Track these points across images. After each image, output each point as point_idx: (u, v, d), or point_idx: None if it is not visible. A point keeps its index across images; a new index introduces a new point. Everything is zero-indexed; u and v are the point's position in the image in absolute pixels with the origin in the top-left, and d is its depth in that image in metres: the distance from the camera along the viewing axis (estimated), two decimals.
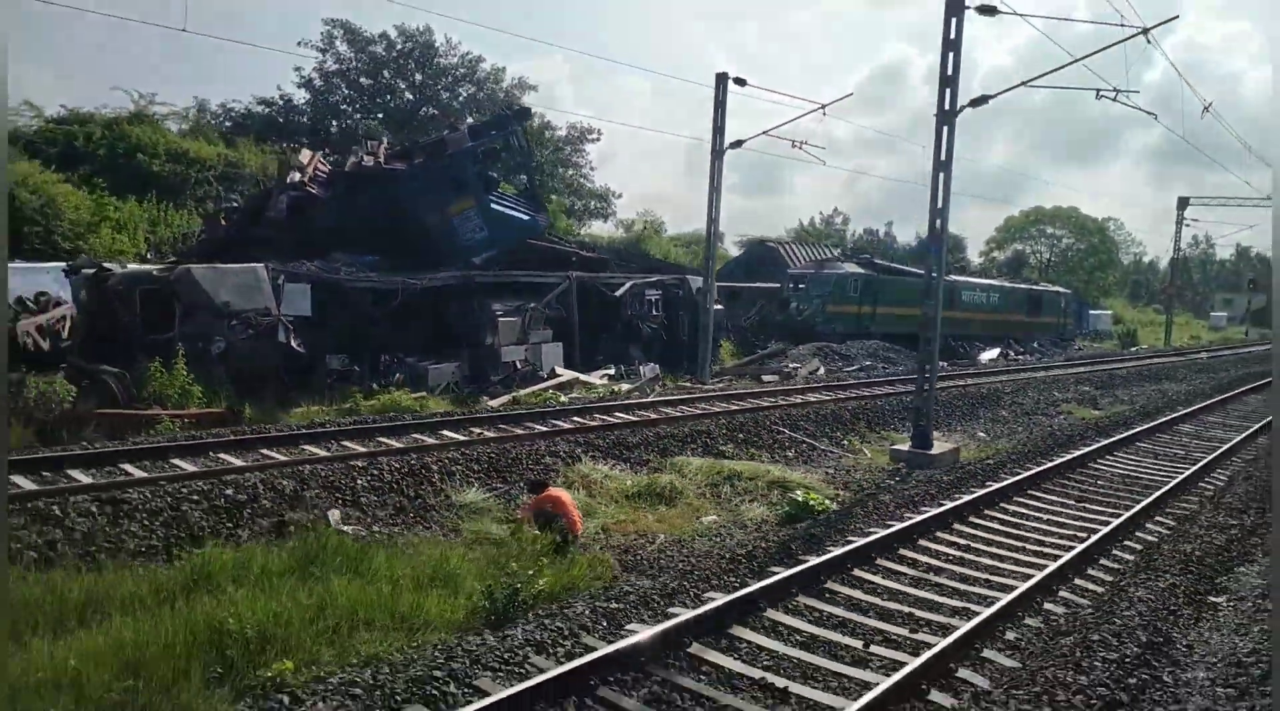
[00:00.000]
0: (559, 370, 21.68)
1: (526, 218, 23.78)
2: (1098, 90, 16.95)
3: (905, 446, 15.84)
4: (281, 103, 58.43)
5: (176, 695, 5.91)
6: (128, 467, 10.80)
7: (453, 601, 7.76)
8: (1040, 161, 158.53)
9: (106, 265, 17.25)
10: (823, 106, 21.80)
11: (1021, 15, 16.31)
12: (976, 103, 16.53)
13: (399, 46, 60.31)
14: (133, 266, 18.26)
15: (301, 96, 59.18)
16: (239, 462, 11.35)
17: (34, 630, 6.71)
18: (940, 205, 15.87)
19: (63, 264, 19.07)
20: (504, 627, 7.24)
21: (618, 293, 25.36)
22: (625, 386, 21.76)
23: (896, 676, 6.22)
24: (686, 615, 7.14)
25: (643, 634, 6.73)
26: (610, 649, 6.43)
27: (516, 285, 22.94)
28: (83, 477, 10.19)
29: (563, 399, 18.94)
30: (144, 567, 8.18)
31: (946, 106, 15.67)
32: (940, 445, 15.99)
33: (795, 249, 45.86)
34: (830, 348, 29.38)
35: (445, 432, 14.11)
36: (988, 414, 21.70)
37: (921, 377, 16.18)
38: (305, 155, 24.01)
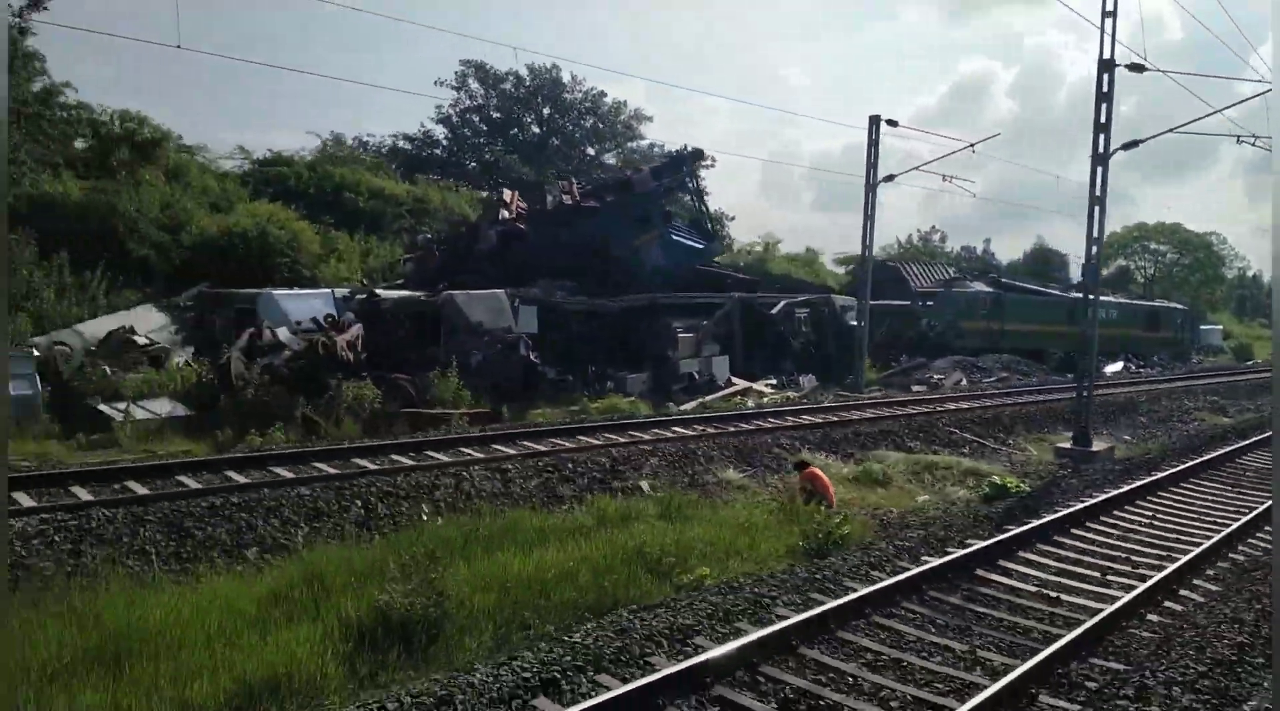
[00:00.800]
0: (735, 380, 24.35)
1: (700, 246, 26.64)
2: (1238, 137, 18.94)
3: (1067, 444, 18.05)
4: (422, 137, 62.83)
5: (633, 585, 8.68)
6: (470, 451, 13.81)
7: (775, 543, 10.42)
8: (1129, 176, 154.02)
9: (377, 292, 20.60)
10: (971, 145, 24.15)
11: (1164, 72, 18.49)
12: (1128, 146, 18.70)
13: (528, 83, 64.29)
14: (400, 293, 21.57)
15: (440, 131, 63.43)
16: (570, 445, 14.33)
17: (498, 549, 9.51)
18: (1096, 235, 18.12)
19: (329, 290, 22.58)
20: (824, 559, 9.87)
21: (773, 311, 27.97)
22: (791, 394, 24.32)
23: (1131, 594, 8.62)
24: (959, 553, 9.66)
25: (935, 562, 9.29)
26: (930, 565, 9.01)
27: (690, 306, 25.74)
28: (477, 454, 13.28)
29: (750, 404, 21.60)
30: (548, 512, 11.04)
31: (1100, 150, 17.91)
32: (1097, 444, 18.16)
33: (913, 267, 47.85)
34: (968, 361, 31.49)
35: (676, 428, 16.88)
36: (1127, 420, 23.64)
37: (1080, 386, 18.37)
38: (508, 194, 27.33)
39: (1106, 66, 17.90)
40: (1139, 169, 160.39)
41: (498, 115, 64.94)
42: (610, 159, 67.29)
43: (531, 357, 20.40)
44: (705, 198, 26.06)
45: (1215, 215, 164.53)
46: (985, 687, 6.26)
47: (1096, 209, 17.98)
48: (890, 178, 25.43)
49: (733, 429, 17.05)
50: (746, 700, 6.16)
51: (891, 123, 24.86)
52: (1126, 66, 17.85)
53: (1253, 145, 18.81)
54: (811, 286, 33.56)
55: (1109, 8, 17.72)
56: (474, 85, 65.60)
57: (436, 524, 10.37)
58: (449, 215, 35.02)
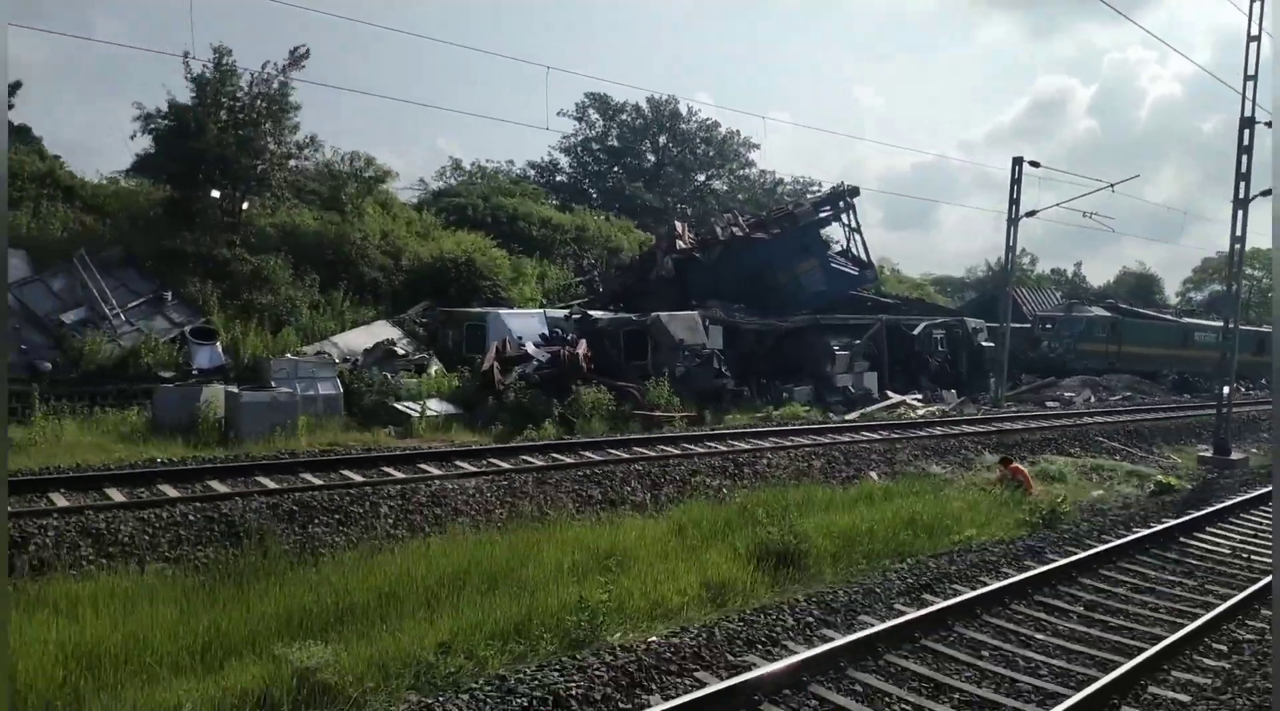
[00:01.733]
0: (889, 394, 26.93)
1: (855, 273, 29.35)
2: None
3: (1208, 453, 20.30)
4: (549, 165, 66.69)
5: (917, 541, 11.41)
6: (737, 443, 16.74)
7: (1004, 517, 13.06)
8: (1208, 196, 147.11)
9: (591, 313, 23.80)
10: (1111, 185, 26.43)
11: None
12: (1268, 192, 20.90)
13: (647, 114, 67.75)
14: (612, 315, 24.74)
15: (564, 159, 67.22)
16: (804, 442, 17.18)
17: (808, 513, 12.31)
18: (1236, 269, 20.40)
19: (541, 310, 25.91)
20: (1053, 529, 12.47)
21: (915, 331, 30.48)
22: (937, 408, 26.81)
23: None
24: (1161, 526, 12.20)
25: (1146, 531, 11.85)
26: (1144, 533, 11.60)
27: (843, 326, 28.41)
28: (720, 446, 16.21)
29: (916, 414, 24.19)
30: (827, 488, 13.85)
31: (1241, 195, 20.20)
32: (1234, 454, 20.35)
33: (1023, 291, 49.74)
34: (1093, 380, 33.54)
35: (865, 433, 19.60)
36: (1251, 435, 25.61)
37: (1220, 402, 20.63)
38: (679, 227, 30.46)
39: (1248, 123, 20.18)
40: (1220, 182, 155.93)
41: (615, 144, 68.53)
42: (720, 185, 70.37)
43: (723, 370, 23.31)
44: (860, 229, 28.62)
45: None
46: (1219, 605, 8.87)
47: (1237, 246, 20.28)
48: (1031, 213, 27.85)
49: (917, 434, 19.69)
50: (1035, 612, 8.87)
51: (1034, 164, 27.29)
52: (1266, 123, 20.09)
53: None
54: (944, 310, 35.94)
55: (1250, 72, 20.03)
56: (593, 116, 69.43)
57: (746, 493, 13.28)
58: (605, 242, 38.30)
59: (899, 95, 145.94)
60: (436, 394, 20.78)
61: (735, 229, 28.67)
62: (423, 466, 13.22)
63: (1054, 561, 10.04)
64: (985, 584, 9.20)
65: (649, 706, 6.06)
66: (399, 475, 12.39)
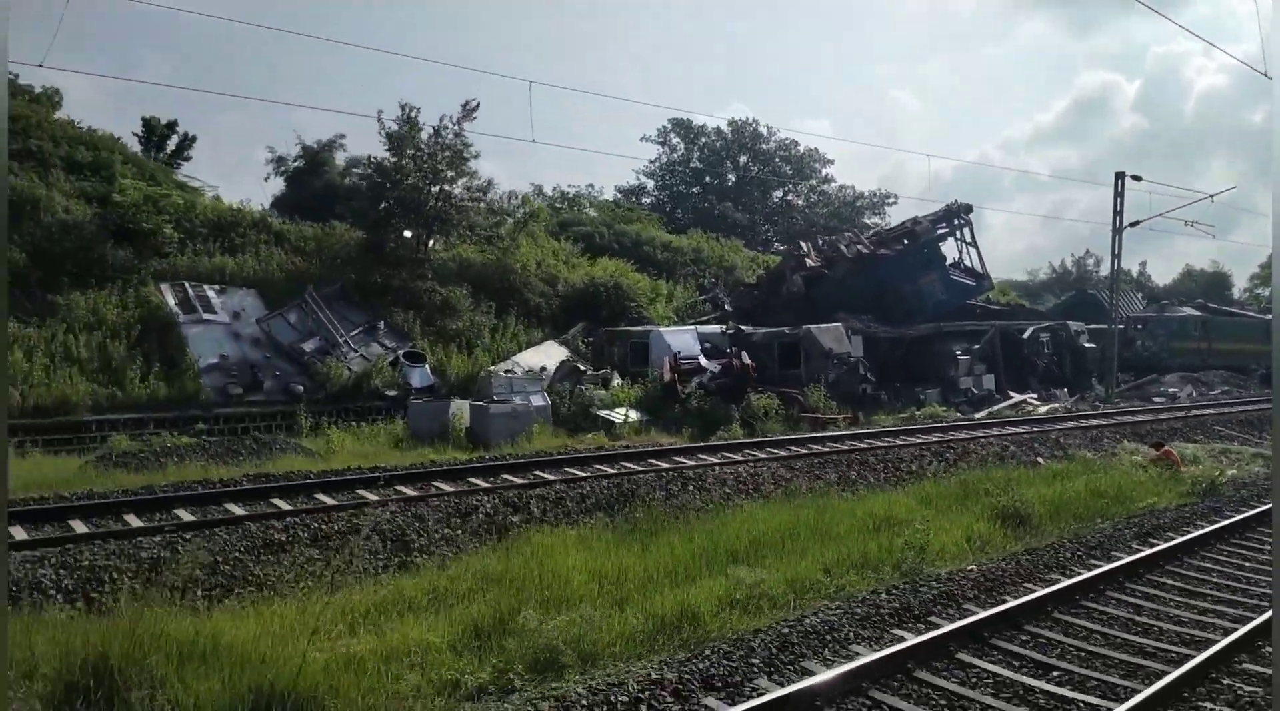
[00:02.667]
0: (1010, 394, 29.23)
1: (972, 284, 31.73)
2: None
3: None
4: (636, 189, 69.81)
5: (1104, 509, 13.83)
6: (913, 439, 19.29)
7: (1167, 490, 15.43)
8: (1262, 188, 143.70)
9: (743, 328, 26.56)
10: (1210, 196, 28.51)
11: None
12: None
13: (728, 136, 70.60)
14: (767, 330, 27.44)
15: (650, 183, 70.33)
16: (962, 436, 19.67)
17: (1002, 489, 14.79)
18: None
19: (693, 327, 28.71)
20: (1213, 498, 14.82)
21: (1024, 335, 32.71)
22: (1057, 405, 29.02)
23: None
24: None
25: None
26: None
27: (962, 332, 30.78)
28: (896, 441, 18.79)
29: (1039, 410, 26.49)
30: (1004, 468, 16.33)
31: None
32: None
33: (1107, 294, 51.42)
34: (1191, 375, 35.44)
35: (1009, 427, 21.99)
36: None
37: None
38: (804, 246, 33.12)
39: None
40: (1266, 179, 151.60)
41: (697, 165, 71.46)
42: (798, 200, 72.83)
43: (868, 376, 25.86)
44: (976, 243, 31.01)
45: None
46: None
47: None
48: (1135, 223, 29.97)
49: (1054, 427, 22.06)
50: (1237, 548, 11.33)
51: (1136, 177, 29.43)
52: None
53: None
54: (1042, 314, 38.07)
55: None
56: (675, 140, 72.48)
57: (952, 474, 15.84)
58: (719, 261, 41.06)
59: (938, 97, 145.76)
60: (625, 403, 23.61)
61: (860, 247, 31.22)
62: (702, 457, 16.06)
63: (1233, 517, 12.47)
64: (1190, 532, 11.68)
65: (1004, 603, 8.67)
66: (690, 463, 15.23)
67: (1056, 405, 28.97)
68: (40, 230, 23.29)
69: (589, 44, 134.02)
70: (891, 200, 70.88)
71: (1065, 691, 6.62)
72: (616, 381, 25.42)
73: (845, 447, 17.84)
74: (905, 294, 30.52)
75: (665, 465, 15.18)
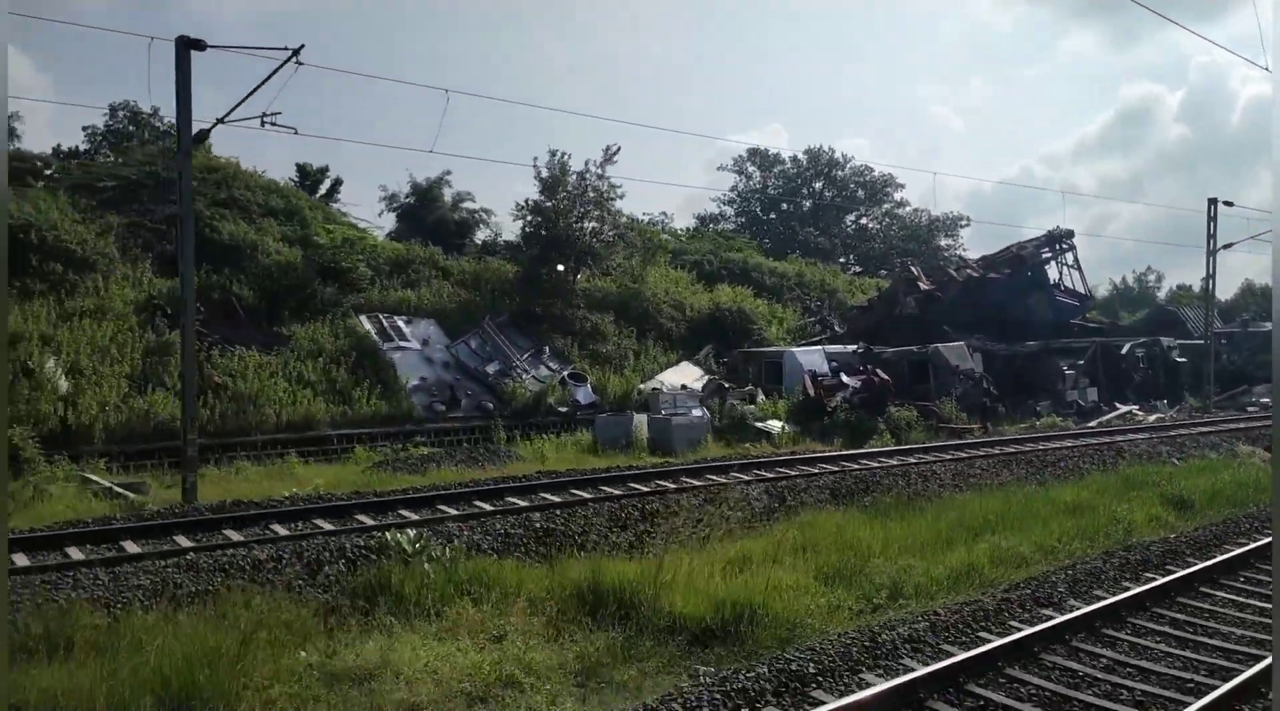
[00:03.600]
0: (1117, 405, 31.28)
1: (1076, 304, 33.90)
2: None
3: None
4: (716, 216, 72.62)
5: (1250, 498, 16.04)
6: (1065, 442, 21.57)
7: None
8: None
9: (872, 347, 29.03)
10: None
11: None
12: None
13: (802, 163, 73.27)
14: (896, 348, 29.91)
15: (728, 211, 73.13)
16: (1094, 442, 21.91)
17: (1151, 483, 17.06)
18: None
19: (819, 347, 31.26)
20: None
21: (1123, 351, 34.72)
22: (1159, 415, 31.00)
23: None
24: None
25: None
26: None
27: (1068, 349, 32.91)
28: (1038, 446, 21.10)
29: (1147, 420, 28.54)
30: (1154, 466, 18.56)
31: None
32: None
33: (1187, 311, 53.01)
34: None
35: (1132, 434, 24.14)
36: None
37: None
38: (915, 271, 35.56)
39: None
40: None
41: (775, 192, 74.12)
42: (872, 223, 75.12)
43: (991, 390, 28.16)
44: (1079, 265, 33.24)
45: None
46: None
47: None
48: (1229, 245, 31.97)
49: (1167, 433, 24.19)
50: None
51: (1228, 203, 31.48)
52: None
53: None
54: (1132, 330, 40.02)
55: None
56: (751, 169, 75.26)
57: (1107, 471, 18.14)
58: (821, 285, 43.58)
59: (980, 114, 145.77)
60: (774, 416, 26.15)
61: (970, 271, 33.57)
62: (901, 459, 18.64)
63: None
64: None
65: (1215, 558, 11.03)
66: (894, 463, 17.80)
67: (1161, 415, 30.94)
68: (261, 271, 26.54)
69: (618, 70, 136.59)
70: (964, 222, 72.96)
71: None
72: (761, 398, 27.96)
73: (1000, 451, 20.21)
74: (1014, 313, 32.76)
75: (874, 464, 17.79)
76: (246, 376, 22.67)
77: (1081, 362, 32.40)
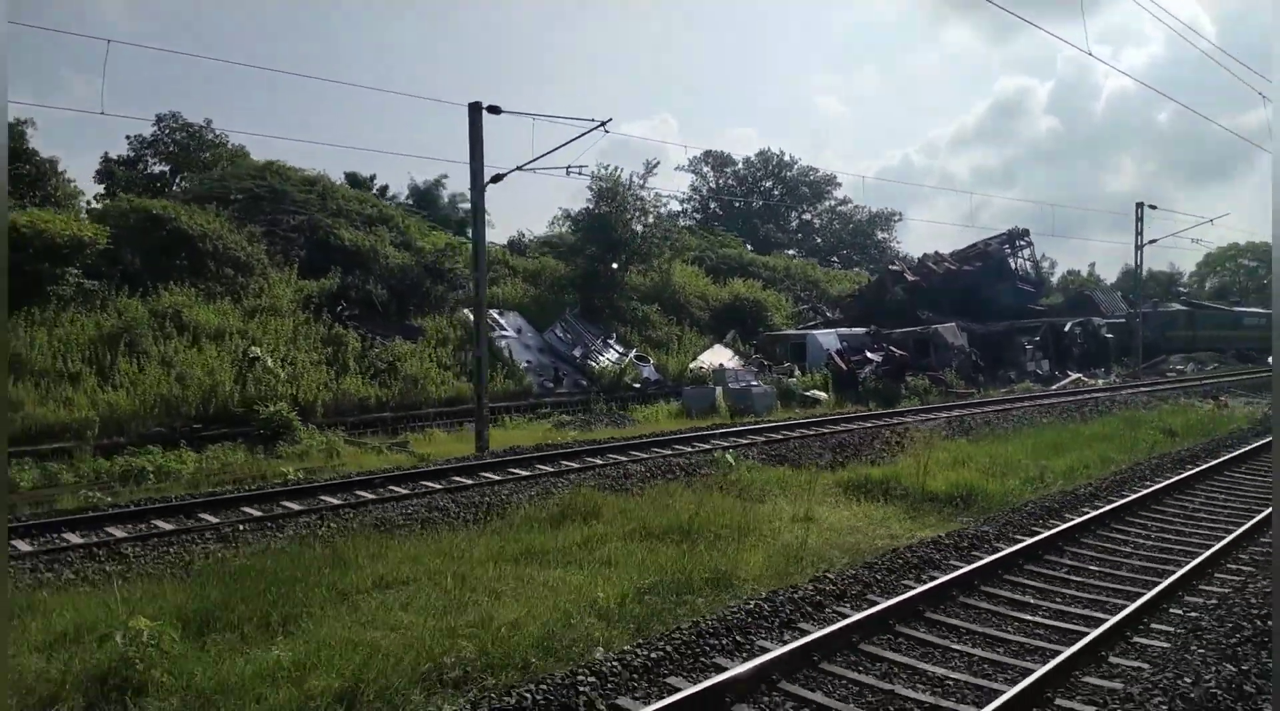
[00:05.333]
0: (1069, 373, 37.72)
1: (1034, 291, 40.27)
2: None
3: None
4: (677, 213, 77.72)
5: (1215, 429, 22.10)
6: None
7: (1234, 424, 23.73)
8: (1169, 184, 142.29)
9: (881, 330, 34.70)
10: (1210, 220, 37.26)
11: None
12: None
13: (755, 164, 79.06)
14: (902, 330, 35.58)
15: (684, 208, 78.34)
16: (1073, 399, 27.86)
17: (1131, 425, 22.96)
18: None
19: (833, 330, 36.73)
20: (1261, 425, 23.15)
21: (1065, 329, 41.32)
22: (1101, 381, 37.57)
23: None
24: None
25: None
26: None
27: (1026, 328, 39.25)
28: (1043, 402, 26.99)
29: (1096, 385, 34.96)
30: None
31: None
32: None
33: (1099, 295, 60.77)
34: (1190, 357, 44.47)
35: (1098, 394, 30.29)
36: None
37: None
38: (898, 265, 41.43)
39: None
40: (1179, 170, 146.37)
41: (732, 191, 79.77)
42: (815, 219, 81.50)
43: (978, 362, 34.10)
44: (1034, 258, 39.62)
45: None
46: None
47: None
48: (1153, 241, 38.64)
49: (1124, 392, 30.44)
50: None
51: (1153, 207, 38.11)
52: None
53: None
54: (1065, 311, 47.03)
55: None
56: (706, 170, 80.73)
57: (1106, 417, 23.96)
58: (804, 276, 49.31)
59: (866, 104, 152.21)
60: (814, 387, 31.51)
61: (948, 264, 39.61)
62: (948, 412, 24.22)
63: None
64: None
65: (1230, 454, 16.68)
66: (951, 415, 23.29)
67: (1101, 381, 37.53)
68: (385, 272, 30.56)
69: (504, 53, 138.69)
70: (898, 217, 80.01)
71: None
72: (797, 373, 33.32)
73: (1012, 406, 25.96)
74: (984, 299, 38.91)
75: (942, 415, 23.29)
76: (406, 361, 26.82)
77: (1038, 339, 38.78)
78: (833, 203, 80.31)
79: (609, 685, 6.58)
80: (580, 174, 19.67)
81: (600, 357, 32.48)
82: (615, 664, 6.85)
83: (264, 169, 33.96)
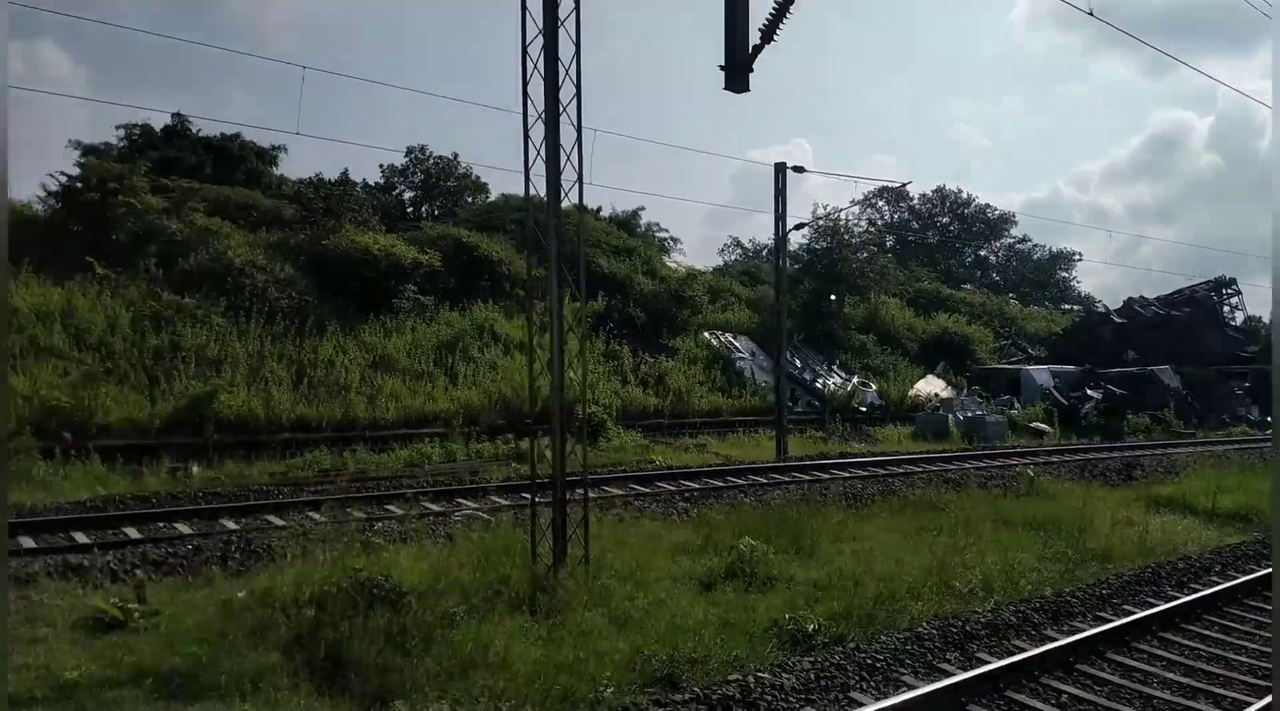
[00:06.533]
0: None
1: (1242, 338, 40.82)
2: None
3: None
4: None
5: None
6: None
7: None
8: None
9: (1094, 369, 36.24)
10: None
11: None
12: None
13: (932, 202, 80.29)
14: (1118, 369, 37.06)
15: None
16: None
17: None
18: None
19: (1048, 367, 38.41)
20: None
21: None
22: None
23: None
24: None
25: None
26: None
27: (1234, 373, 39.77)
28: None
29: None
30: None
31: None
32: None
33: None
34: None
35: None
36: None
37: None
38: (1102, 308, 42.67)
39: None
40: None
41: (908, 227, 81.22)
42: (990, 256, 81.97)
43: (1192, 403, 35.14)
44: (1244, 307, 40.25)
45: None
46: None
47: None
48: None
49: None
50: None
51: None
52: None
53: None
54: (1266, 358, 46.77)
55: None
56: (881, 204, 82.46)
57: None
58: (999, 313, 50.75)
59: (1011, 136, 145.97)
60: (1035, 419, 33.34)
61: (1155, 309, 40.64)
62: (1191, 448, 25.91)
63: None
64: None
65: None
66: (1200, 449, 25.06)
67: None
68: (639, 296, 34.32)
69: (636, 84, 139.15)
70: (1077, 256, 79.63)
71: None
72: (1017, 406, 35.21)
73: (1249, 444, 27.25)
74: (1191, 345, 39.72)
75: (1194, 450, 25.03)
76: (671, 375, 30.31)
77: (1248, 384, 39.27)
78: (1011, 240, 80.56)
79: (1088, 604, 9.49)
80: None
81: (828, 381, 35.26)
82: (1070, 599, 9.72)
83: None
